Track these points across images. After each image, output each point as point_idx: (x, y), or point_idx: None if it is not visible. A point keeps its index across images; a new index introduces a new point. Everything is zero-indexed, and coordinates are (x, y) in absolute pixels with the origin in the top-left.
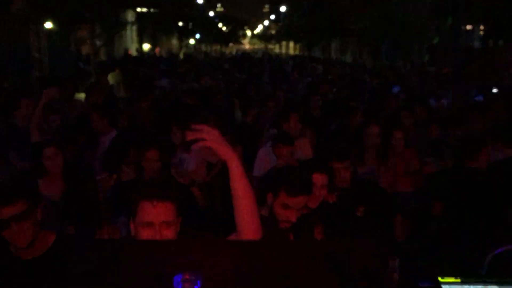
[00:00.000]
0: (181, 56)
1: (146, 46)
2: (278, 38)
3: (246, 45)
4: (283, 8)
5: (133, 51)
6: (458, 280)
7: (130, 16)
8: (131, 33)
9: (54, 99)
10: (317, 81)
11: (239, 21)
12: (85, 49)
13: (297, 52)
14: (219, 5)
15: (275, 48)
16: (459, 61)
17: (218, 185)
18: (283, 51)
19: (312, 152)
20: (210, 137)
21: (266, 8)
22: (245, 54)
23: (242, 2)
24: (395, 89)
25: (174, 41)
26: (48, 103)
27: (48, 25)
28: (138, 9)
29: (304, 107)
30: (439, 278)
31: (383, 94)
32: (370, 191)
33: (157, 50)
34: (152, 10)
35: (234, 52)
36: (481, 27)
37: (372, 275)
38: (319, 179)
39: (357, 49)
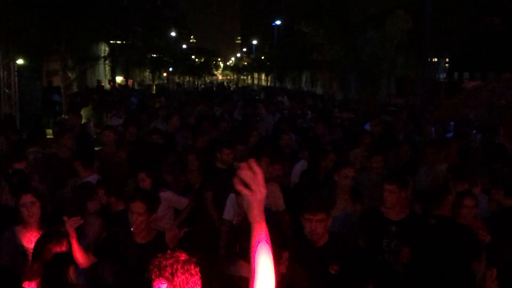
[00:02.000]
0: (154, 88)
1: (119, 78)
2: (250, 69)
3: (219, 76)
4: (254, 41)
5: (105, 84)
6: None
7: (103, 49)
8: (103, 65)
9: None
10: (286, 118)
11: (212, 52)
12: (57, 81)
13: (269, 83)
14: (192, 36)
15: (248, 79)
16: (425, 93)
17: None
18: (255, 82)
19: (282, 199)
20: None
21: (239, 40)
22: (219, 85)
23: (214, 34)
24: (367, 127)
25: (147, 73)
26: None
27: (19, 61)
28: (111, 42)
29: (275, 145)
30: None
31: (355, 131)
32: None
33: (130, 82)
34: (124, 42)
35: (207, 81)
36: (447, 60)
37: None
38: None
39: (327, 81)
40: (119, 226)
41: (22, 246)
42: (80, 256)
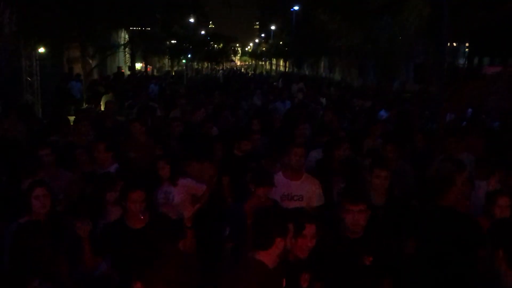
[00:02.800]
0: (172, 73)
1: (138, 65)
2: (268, 55)
3: (237, 61)
4: (273, 27)
5: (125, 70)
6: None
7: (122, 36)
8: (123, 52)
9: None
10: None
11: (230, 39)
12: (78, 68)
13: (287, 69)
14: (210, 22)
15: (266, 65)
16: (442, 79)
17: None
18: (273, 68)
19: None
20: None
21: (257, 25)
22: (235, 73)
23: (233, 20)
24: (382, 114)
25: (166, 60)
26: None
27: (40, 49)
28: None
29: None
30: None
31: (369, 120)
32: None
33: (149, 68)
34: (143, 29)
35: (224, 69)
36: (466, 45)
37: None
38: (310, 229)
39: (345, 67)
40: None
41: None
42: (89, 260)
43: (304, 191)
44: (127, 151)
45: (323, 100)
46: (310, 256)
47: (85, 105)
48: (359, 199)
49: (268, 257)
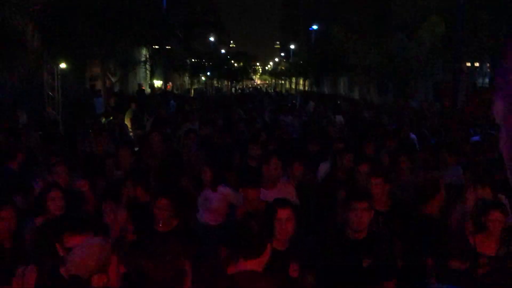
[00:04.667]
0: (192, 92)
1: (158, 83)
2: (288, 74)
3: (257, 80)
4: (292, 46)
5: (146, 87)
6: None
7: (143, 53)
8: (144, 69)
9: None
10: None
11: (250, 57)
12: (99, 85)
13: (306, 88)
14: (231, 41)
15: (286, 84)
16: (460, 97)
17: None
18: (293, 86)
19: (295, 197)
20: None
21: (277, 45)
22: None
23: (254, 39)
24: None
25: (186, 77)
26: None
27: (62, 65)
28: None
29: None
30: None
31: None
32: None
33: (169, 86)
34: (164, 47)
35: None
36: (488, 64)
37: None
38: (282, 213)
39: (364, 85)
40: (145, 217)
41: None
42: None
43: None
44: (146, 159)
45: (340, 118)
46: (298, 247)
47: (103, 119)
48: (363, 197)
49: (258, 264)
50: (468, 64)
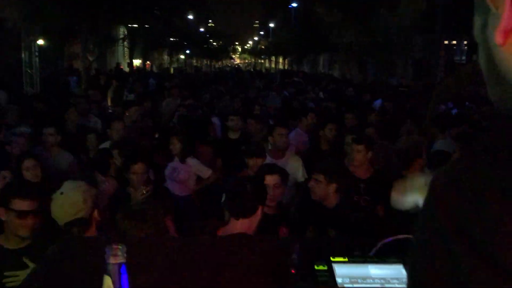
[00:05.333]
0: (172, 71)
1: (137, 61)
2: (268, 53)
3: (237, 59)
4: (272, 24)
5: (124, 66)
6: (346, 259)
7: (121, 31)
8: (122, 48)
9: None
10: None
11: (230, 36)
12: (77, 64)
13: (286, 66)
14: (210, 21)
15: (265, 63)
16: (439, 74)
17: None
18: (273, 65)
19: (303, 169)
20: None
21: (257, 24)
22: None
23: (233, 18)
24: (377, 102)
25: (165, 56)
26: None
27: (40, 41)
28: (130, 25)
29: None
30: (331, 258)
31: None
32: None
33: (148, 65)
34: (143, 26)
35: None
36: (465, 42)
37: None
38: (270, 180)
39: (345, 64)
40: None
41: None
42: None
43: (288, 168)
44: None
45: (321, 94)
46: (288, 211)
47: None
48: (361, 140)
49: (249, 224)
50: (446, 42)
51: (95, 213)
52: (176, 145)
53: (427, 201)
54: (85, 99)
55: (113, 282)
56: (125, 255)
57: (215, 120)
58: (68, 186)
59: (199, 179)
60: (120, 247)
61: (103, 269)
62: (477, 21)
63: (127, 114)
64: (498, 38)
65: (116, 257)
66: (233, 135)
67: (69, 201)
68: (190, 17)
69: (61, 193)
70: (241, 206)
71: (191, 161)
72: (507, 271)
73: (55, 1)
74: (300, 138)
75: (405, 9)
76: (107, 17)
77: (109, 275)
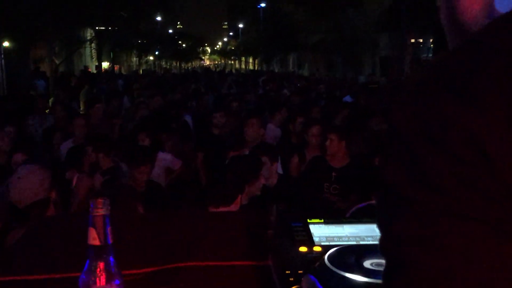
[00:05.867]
0: (141, 72)
1: (105, 64)
2: (237, 53)
3: (207, 61)
4: (241, 25)
5: (92, 69)
6: (322, 221)
7: (89, 34)
8: (90, 51)
9: None
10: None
11: (199, 37)
12: (44, 67)
13: (256, 67)
14: (178, 22)
15: (235, 64)
16: (405, 71)
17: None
18: (243, 66)
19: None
20: None
21: (225, 25)
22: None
23: (202, 19)
24: (346, 99)
25: (134, 58)
26: None
27: (6, 43)
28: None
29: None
30: (307, 220)
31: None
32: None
33: (116, 67)
34: (110, 28)
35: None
36: (431, 40)
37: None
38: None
39: (313, 62)
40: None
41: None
42: None
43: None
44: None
45: (286, 91)
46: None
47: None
48: (332, 129)
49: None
50: (413, 40)
51: (53, 193)
52: (145, 141)
53: (389, 121)
54: (46, 98)
55: (98, 234)
56: (108, 207)
57: (188, 118)
58: (24, 171)
59: (169, 171)
60: (103, 200)
61: (81, 247)
62: None
63: (90, 111)
64: None
65: (100, 209)
66: (217, 131)
67: (27, 185)
68: (158, 18)
69: (18, 178)
70: (221, 195)
71: (163, 155)
72: (457, 155)
73: (17, 0)
74: (272, 133)
75: (369, 7)
76: (72, 18)
77: (94, 227)
